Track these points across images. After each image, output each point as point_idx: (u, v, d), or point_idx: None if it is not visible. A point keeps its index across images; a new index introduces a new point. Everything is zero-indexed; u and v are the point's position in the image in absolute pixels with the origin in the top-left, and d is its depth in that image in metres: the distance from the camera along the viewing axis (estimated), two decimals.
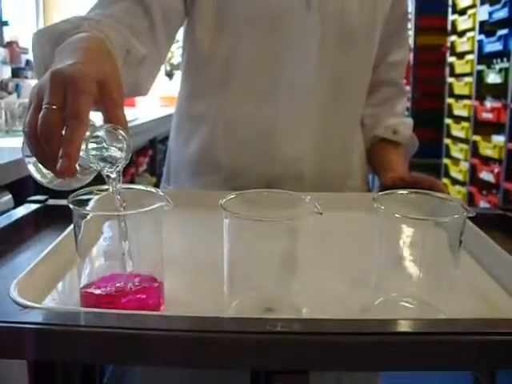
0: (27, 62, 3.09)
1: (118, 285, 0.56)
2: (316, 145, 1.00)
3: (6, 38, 2.88)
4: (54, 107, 0.54)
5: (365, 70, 1.05)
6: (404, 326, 0.50)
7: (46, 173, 0.59)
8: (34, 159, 0.58)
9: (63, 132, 0.54)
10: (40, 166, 0.58)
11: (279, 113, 0.97)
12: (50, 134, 0.53)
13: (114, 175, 0.56)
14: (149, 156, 3.50)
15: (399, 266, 0.56)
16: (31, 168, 0.61)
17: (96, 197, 0.58)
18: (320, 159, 1.00)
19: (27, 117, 0.56)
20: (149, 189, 0.59)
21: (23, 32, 3.25)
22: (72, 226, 0.57)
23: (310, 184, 0.98)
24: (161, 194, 0.57)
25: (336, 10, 0.95)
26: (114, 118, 0.58)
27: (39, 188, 0.68)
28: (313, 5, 0.94)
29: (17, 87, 2.76)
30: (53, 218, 0.84)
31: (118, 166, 0.56)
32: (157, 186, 1.08)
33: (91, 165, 0.56)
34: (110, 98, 0.59)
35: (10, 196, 1.49)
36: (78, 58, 0.59)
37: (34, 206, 0.88)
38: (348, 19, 0.96)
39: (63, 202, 0.56)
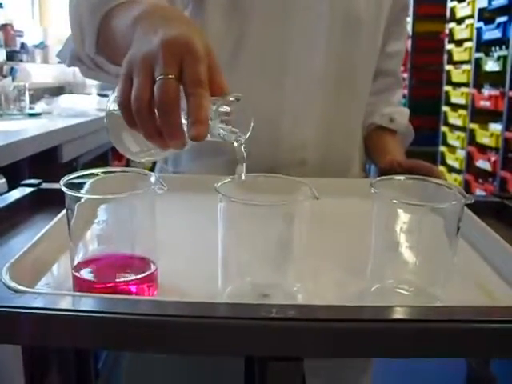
0: (22, 44, 3.06)
1: (112, 269, 0.56)
2: (321, 132, 0.99)
3: (1, 21, 2.85)
4: (171, 77, 0.51)
5: (371, 59, 1.04)
6: (400, 313, 0.50)
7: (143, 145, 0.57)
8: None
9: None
10: (137, 138, 0.56)
11: (286, 99, 0.97)
12: (172, 104, 0.51)
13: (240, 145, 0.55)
14: None
15: (396, 252, 0.56)
16: (126, 139, 0.59)
17: (90, 180, 0.58)
18: (325, 146, 1.00)
19: (135, 91, 0.52)
20: (143, 172, 0.58)
21: (18, 14, 3.23)
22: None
23: (314, 171, 0.98)
24: (155, 177, 0.56)
25: (344, 0, 0.95)
26: (222, 86, 0.56)
27: (33, 172, 0.67)
28: None
29: (11, 70, 2.73)
30: (47, 201, 0.83)
31: (240, 136, 0.55)
32: (152, 170, 1.07)
33: (219, 134, 0.54)
34: (216, 66, 0.56)
35: (4, 180, 1.48)
36: (181, 27, 0.57)
37: (28, 190, 0.87)
38: (355, 7, 0.96)
39: (57, 185, 0.55)
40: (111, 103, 0.60)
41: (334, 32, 0.96)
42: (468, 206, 0.57)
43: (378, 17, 1.01)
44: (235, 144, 0.55)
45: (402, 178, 0.61)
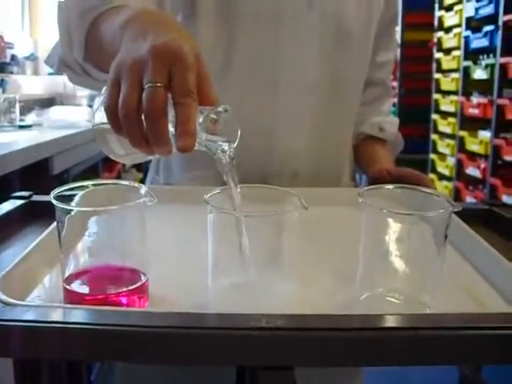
0: (12, 56, 3.06)
1: (102, 281, 0.56)
2: (313, 142, 0.99)
3: None
4: (160, 85, 0.51)
5: (361, 69, 1.05)
6: (389, 321, 0.50)
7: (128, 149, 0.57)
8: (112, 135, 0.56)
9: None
10: (122, 141, 0.56)
11: (278, 110, 0.97)
12: (160, 112, 0.51)
13: (225, 160, 0.55)
14: None
15: (385, 260, 0.56)
16: (111, 142, 0.59)
17: (80, 192, 0.58)
18: (316, 157, 1.00)
19: (123, 96, 0.52)
20: (133, 184, 0.59)
21: (8, 26, 3.22)
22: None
23: (306, 181, 0.98)
24: (145, 189, 0.56)
25: (334, 10, 0.96)
26: (210, 96, 0.55)
27: (24, 184, 0.67)
28: (313, 4, 0.94)
29: (2, 82, 2.73)
30: (37, 214, 0.83)
31: (227, 151, 0.54)
32: (143, 181, 1.07)
33: (205, 145, 0.54)
34: (205, 75, 0.55)
35: None
36: (171, 33, 0.56)
37: (19, 202, 0.87)
38: (345, 19, 0.96)
39: (48, 198, 0.55)
40: (97, 105, 0.60)
41: (325, 42, 0.96)
42: (457, 213, 0.57)
43: (368, 27, 1.02)
44: (220, 154, 0.55)
45: (390, 186, 0.62)
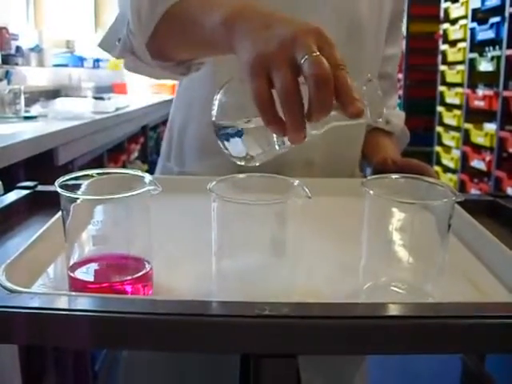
0: (17, 48, 3.06)
1: (107, 269, 0.56)
2: (327, 132, 0.99)
3: None
4: (319, 53, 0.52)
5: (374, 65, 1.05)
6: (392, 310, 0.50)
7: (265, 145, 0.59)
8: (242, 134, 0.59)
9: None
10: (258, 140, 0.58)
11: None
12: (330, 75, 0.52)
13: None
14: (140, 143, 3.49)
15: (388, 250, 0.56)
16: (237, 143, 0.61)
17: (85, 181, 0.58)
18: (331, 146, 1.00)
19: (284, 82, 0.53)
20: (138, 173, 0.59)
21: (12, 18, 3.23)
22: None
23: (320, 171, 0.98)
24: (149, 178, 0.57)
25: (348, 6, 0.95)
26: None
27: (29, 174, 0.68)
28: (328, 0, 0.93)
29: (7, 74, 2.73)
30: (42, 203, 0.84)
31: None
32: (148, 172, 1.07)
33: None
34: None
35: None
36: (295, 20, 0.58)
37: (24, 192, 0.87)
38: (358, 15, 0.96)
39: (52, 188, 0.56)
40: (220, 108, 0.61)
41: (339, 37, 0.95)
42: (461, 204, 0.57)
43: (379, 22, 1.01)
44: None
45: (394, 176, 0.62)
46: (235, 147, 0.61)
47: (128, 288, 0.55)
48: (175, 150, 1.05)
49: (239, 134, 0.59)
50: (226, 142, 0.61)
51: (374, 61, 1.05)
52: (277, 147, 0.60)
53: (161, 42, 0.76)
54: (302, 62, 0.52)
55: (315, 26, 0.56)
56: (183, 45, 0.76)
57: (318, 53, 0.52)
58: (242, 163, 0.62)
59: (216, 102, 0.61)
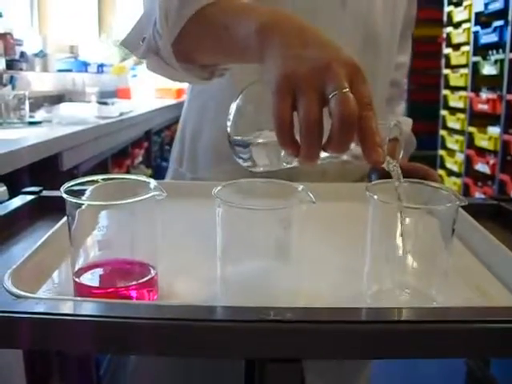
0: (22, 53, 3.07)
1: (112, 274, 0.57)
2: None
3: (0, 30, 2.86)
4: (348, 90, 0.51)
5: (387, 73, 1.04)
6: (397, 315, 0.51)
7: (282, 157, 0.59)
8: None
9: None
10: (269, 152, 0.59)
11: None
12: (354, 120, 0.51)
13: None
14: (144, 148, 3.50)
15: (392, 254, 0.56)
16: (247, 151, 0.60)
17: (90, 187, 0.58)
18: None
19: (307, 110, 0.52)
20: (143, 179, 0.59)
21: (17, 23, 3.24)
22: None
23: (332, 179, 0.97)
24: (154, 184, 0.57)
25: (364, 10, 0.95)
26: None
27: (34, 179, 0.68)
28: (347, 3, 0.93)
29: (11, 79, 2.74)
30: (47, 209, 0.84)
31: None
32: (152, 177, 1.07)
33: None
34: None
35: (4, 188, 1.49)
36: (330, 43, 0.57)
37: (29, 198, 0.88)
38: (373, 19, 0.96)
39: (57, 193, 0.56)
40: (236, 117, 0.61)
41: (354, 44, 0.95)
42: (465, 208, 0.57)
43: (393, 29, 1.01)
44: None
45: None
46: (244, 154, 0.61)
47: (133, 293, 0.55)
48: (188, 155, 1.04)
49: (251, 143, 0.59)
50: (236, 147, 0.61)
51: (388, 69, 1.04)
52: (284, 164, 0.60)
53: (188, 44, 0.74)
54: (331, 96, 0.51)
55: (350, 55, 0.55)
56: (211, 49, 0.74)
57: (347, 89, 0.51)
58: (247, 164, 0.63)
59: (233, 111, 0.61)
